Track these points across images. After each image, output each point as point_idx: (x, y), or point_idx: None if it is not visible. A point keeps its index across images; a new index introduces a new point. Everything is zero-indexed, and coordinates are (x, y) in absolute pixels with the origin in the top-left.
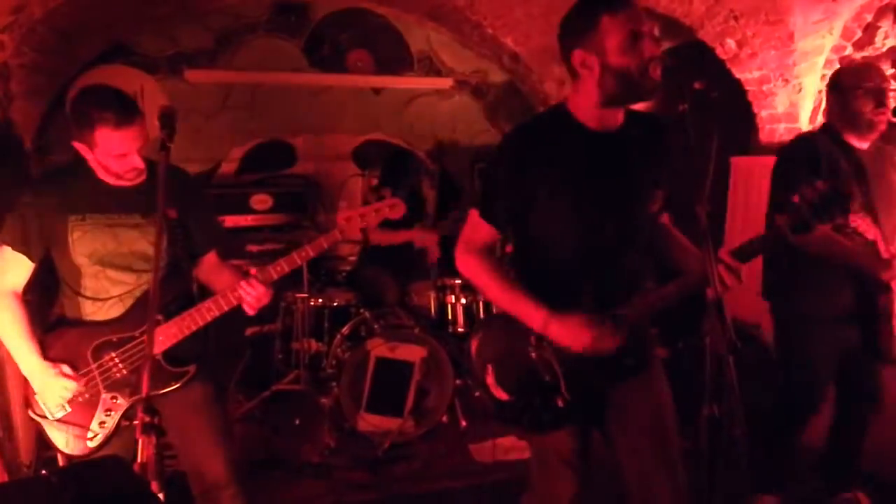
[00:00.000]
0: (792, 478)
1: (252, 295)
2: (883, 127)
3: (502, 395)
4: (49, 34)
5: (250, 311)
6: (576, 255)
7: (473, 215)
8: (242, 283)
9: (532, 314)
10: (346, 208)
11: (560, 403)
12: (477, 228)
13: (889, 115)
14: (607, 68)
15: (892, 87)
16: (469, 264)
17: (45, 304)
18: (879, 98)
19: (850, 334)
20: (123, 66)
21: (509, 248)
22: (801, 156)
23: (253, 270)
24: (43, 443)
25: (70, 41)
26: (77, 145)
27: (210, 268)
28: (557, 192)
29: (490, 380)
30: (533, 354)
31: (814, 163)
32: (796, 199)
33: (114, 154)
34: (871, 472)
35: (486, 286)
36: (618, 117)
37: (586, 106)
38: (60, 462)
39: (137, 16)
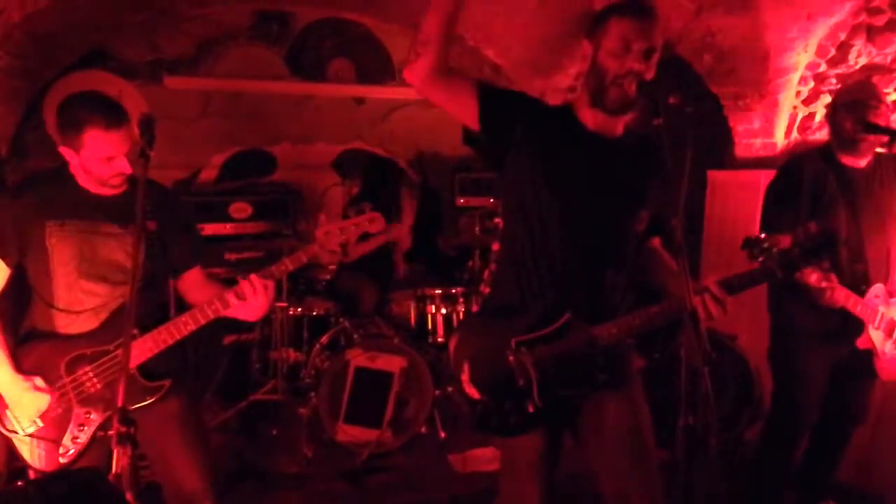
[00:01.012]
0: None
1: (252, 292)
2: (866, 144)
3: (474, 393)
4: (27, 39)
5: (251, 317)
6: (562, 253)
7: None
8: (244, 283)
9: None
10: (326, 218)
11: (530, 409)
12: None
13: (868, 131)
14: (594, 64)
15: (874, 104)
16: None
17: (17, 314)
18: (859, 114)
19: (840, 350)
20: (102, 71)
21: (498, 221)
22: (786, 176)
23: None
24: (13, 453)
25: (48, 46)
26: (63, 150)
27: (194, 284)
28: (542, 170)
29: (465, 377)
30: (510, 358)
31: (797, 183)
32: (790, 240)
33: (102, 157)
34: (845, 482)
35: None
36: (617, 128)
37: (584, 103)
38: (31, 475)
39: (117, 22)
